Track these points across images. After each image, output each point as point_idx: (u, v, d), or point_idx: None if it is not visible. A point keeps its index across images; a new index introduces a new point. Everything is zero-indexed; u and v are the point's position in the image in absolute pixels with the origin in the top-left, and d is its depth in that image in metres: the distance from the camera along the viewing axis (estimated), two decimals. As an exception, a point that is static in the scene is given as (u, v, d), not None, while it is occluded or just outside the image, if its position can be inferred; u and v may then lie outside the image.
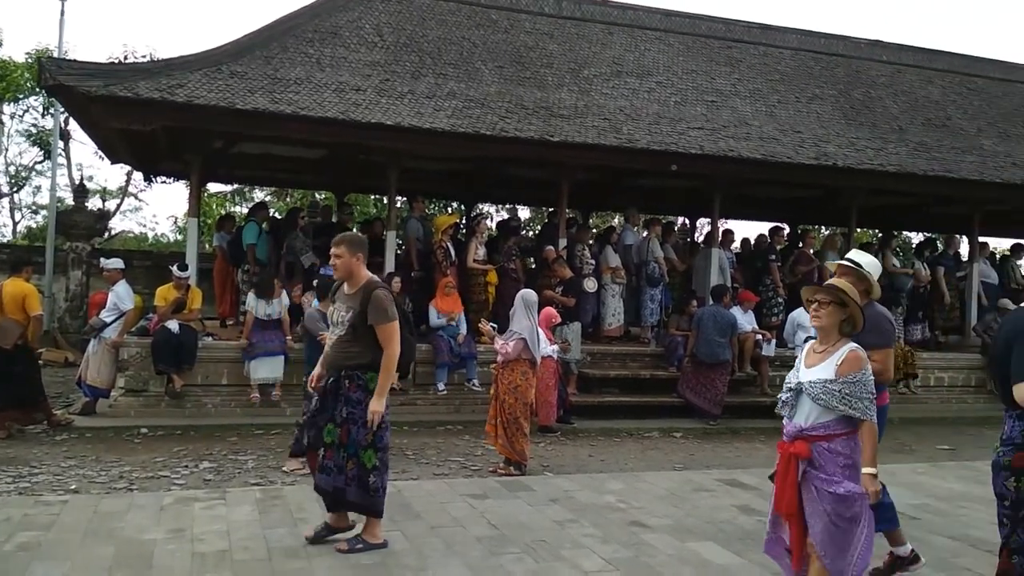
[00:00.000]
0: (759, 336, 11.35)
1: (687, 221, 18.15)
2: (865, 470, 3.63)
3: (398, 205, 14.47)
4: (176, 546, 4.87)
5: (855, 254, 4.79)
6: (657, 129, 11.54)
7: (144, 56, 21.53)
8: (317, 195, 19.97)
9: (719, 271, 12.05)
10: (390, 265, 10.79)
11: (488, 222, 17.71)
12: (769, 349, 11.32)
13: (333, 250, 4.91)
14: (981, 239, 14.14)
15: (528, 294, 7.62)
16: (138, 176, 22.99)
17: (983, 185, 12.31)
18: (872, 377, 3.70)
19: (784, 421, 3.88)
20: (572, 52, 13.61)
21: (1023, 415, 3.43)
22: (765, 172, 11.56)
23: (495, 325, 8.43)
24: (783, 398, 3.86)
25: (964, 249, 15.34)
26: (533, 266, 12.10)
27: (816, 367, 3.75)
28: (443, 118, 10.33)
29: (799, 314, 10.29)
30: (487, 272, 11.25)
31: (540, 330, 7.59)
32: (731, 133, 11.94)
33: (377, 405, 4.72)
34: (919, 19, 68.92)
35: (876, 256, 13.25)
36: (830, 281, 3.93)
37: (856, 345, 3.73)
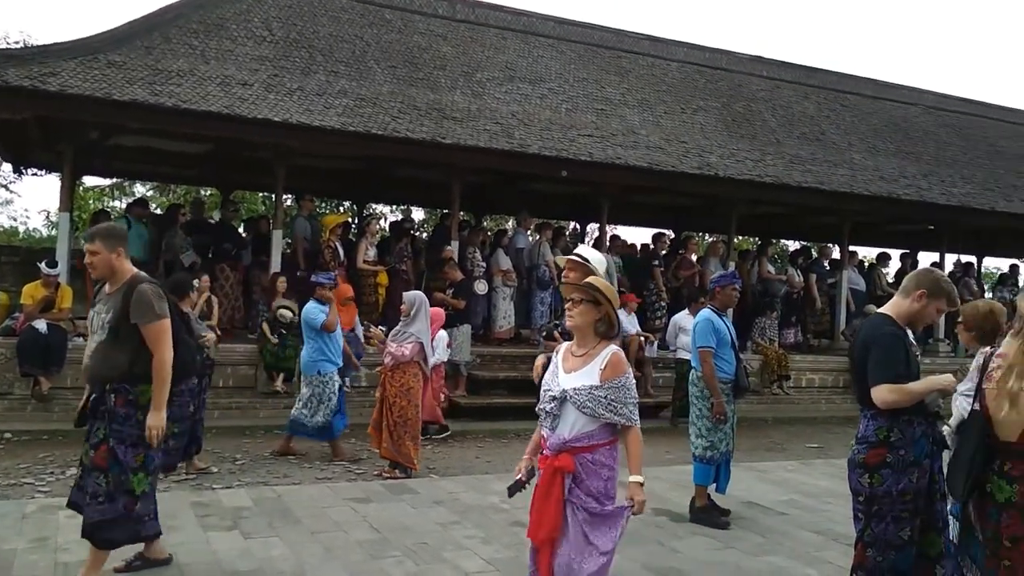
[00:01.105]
0: (643, 338, 11.68)
1: (578, 226, 18.51)
2: (632, 478, 3.40)
3: (287, 203, 14.17)
4: (39, 556, 4.64)
5: (583, 249, 4.57)
6: (548, 135, 11.72)
7: (18, 42, 20.31)
8: (202, 191, 19.32)
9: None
10: (276, 265, 10.55)
11: (381, 223, 17.56)
12: (652, 351, 11.67)
13: (87, 246, 4.24)
14: (851, 248, 14.98)
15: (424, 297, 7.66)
16: (7, 167, 21.62)
17: (852, 197, 13.05)
18: (634, 381, 3.49)
19: (544, 432, 3.52)
20: (465, 55, 13.66)
21: (877, 415, 3.64)
22: (651, 180, 11.89)
23: (384, 328, 8.39)
24: (545, 408, 3.50)
25: (837, 256, 16.22)
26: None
27: (576, 372, 3.46)
28: (333, 116, 10.18)
29: (680, 317, 10.67)
30: (377, 273, 11.15)
31: (442, 332, 7.65)
32: (620, 141, 12.24)
33: (155, 420, 4.10)
34: (796, 36, 72.45)
35: (753, 263, 14.09)
36: (588, 279, 3.65)
37: (617, 348, 3.48)
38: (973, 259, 19.18)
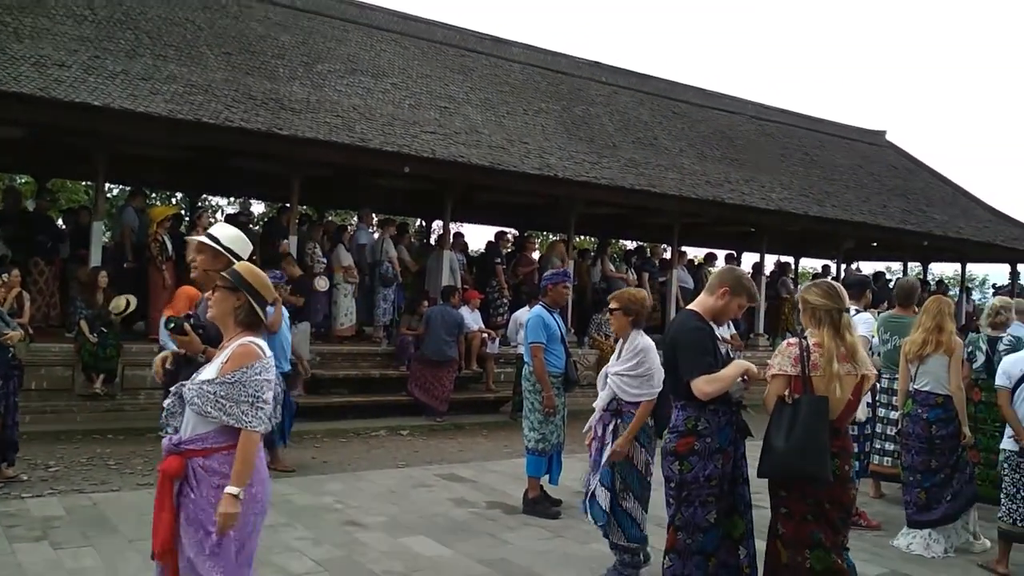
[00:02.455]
0: (485, 335, 11.84)
1: (423, 222, 18.48)
2: (228, 489, 2.96)
3: (112, 194, 13.34)
4: None
5: (217, 228, 4.08)
6: (391, 130, 11.62)
7: None
8: (16, 179, 17.87)
9: (450, 272, 12.39)
10: (96, 258, 9.90)
11: (217, 215, 16.86)
12: (494, 347, 11.85)
13: None
14: (681, 248, 15.79)
15: None
16: None
17: (682, 200, 13.74)
18: (264, 378, 3.06)
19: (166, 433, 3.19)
20: (306, 45, 13.32)
21: (686, 405, 3.86)
22: (493, 179, 12.05)
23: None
24: (165, 405, 3.19)
25: (668, 256, 17.03)
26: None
27: (208, 366, 3.18)
28: (160, 102, 9.65)
29: (521, 314, 10.90)
30: (209, 269, 10.68)
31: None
32: (463, 140, 12.32)
33: None
34: (632, 43, 75.53)
35: (594, 262, 14.59)
36: (234, 267, 3.32)
37: (251, 339, 3.11)
38: (791, 260, 20.75)
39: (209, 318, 3.31)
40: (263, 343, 3.16)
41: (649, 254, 16.45)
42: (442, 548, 5.31)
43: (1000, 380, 5.62)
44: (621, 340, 5.05)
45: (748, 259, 18.32)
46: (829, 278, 14.29)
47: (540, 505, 6.30)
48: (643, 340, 4.91)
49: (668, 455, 3.90)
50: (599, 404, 4.99)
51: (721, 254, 17.55)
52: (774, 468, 3.67)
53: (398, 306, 12.34)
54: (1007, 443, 5.55)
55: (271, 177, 12.62)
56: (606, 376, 5.02)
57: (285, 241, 11.01)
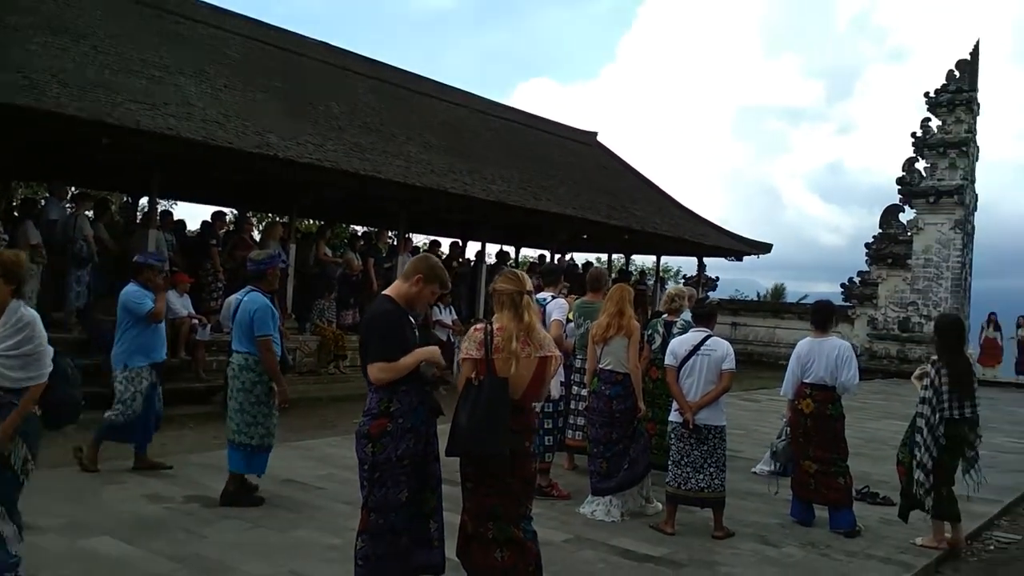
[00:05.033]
0: (195, 321, 11.20)
1: (129, 199, 17.03)
2: None
3: None
4: None
5: None
6: (92, 96, 10.55)
7: None
8: None
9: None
10: None
11: None
12: (205, 334, 11.24)
13: None
14: (407, 235, 15.99)
15: None
16: None
17: (405, 187, 13.90)
18: None
19: None
20: (-13, -7, 11.71)
21: (379, 388, 3.94)
22: (207, 155, 11.38)
23: None
24: None
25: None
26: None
27: None
28: None
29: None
30: None
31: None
32: (173, 111, 11.48)
33: None
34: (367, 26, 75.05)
35: (312, 247, 14.32)
36: None
37: None
38: (511, 249, 21.81)
39: None
40: None
41: (375, 240, 16.49)
42: (128, 548, 4.98)
43: (668, 359, 6.35)
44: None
45: (472, 248, 18.98)
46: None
47: (241, 496, 6.11)
48: (27, 312, 4.05)
49: (362, 438, 3.96)
50: None
51: (446, 242, 18.03)
52: (456, 446, 3.87)
53: (94, 289, 11.28)
54: (674, 415, 6.29)
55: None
56: None
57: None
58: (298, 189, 13.01)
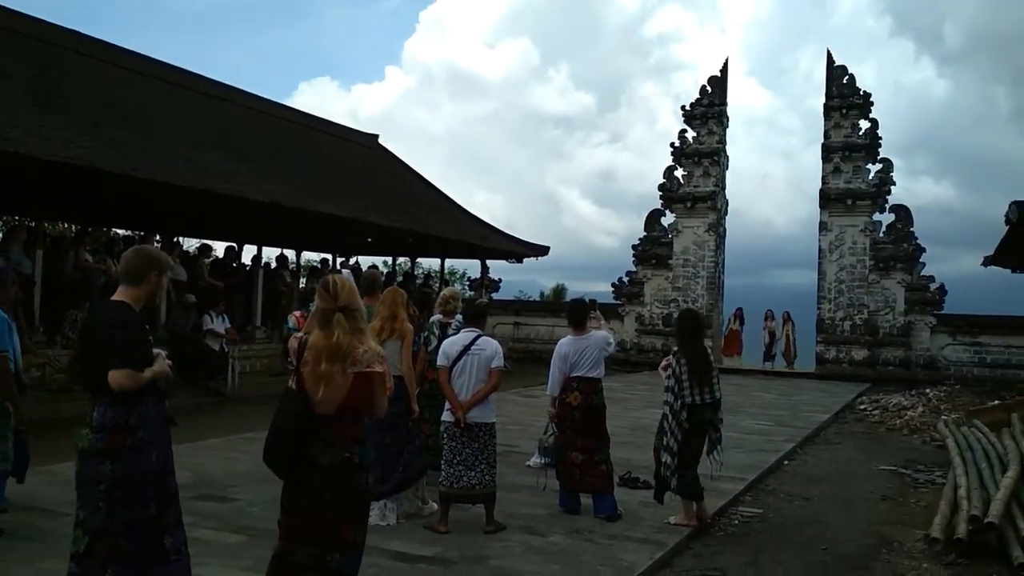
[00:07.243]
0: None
1: None
2: None
3: None
4: None
5: None
6: None
7: None
8: None
9: None
10: None
11: None
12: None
13: None
14: (176, 238, 15.07)
15: None
16: None
17: (171, 188, 13.01)
18: None
19: None
20: None
21: (115, 401, 3.66)
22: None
23: None
24: None
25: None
26: None
27: None
28: None
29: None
30: None
31: None
32: None
33: None
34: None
35: (69, 252, 13.13)
36: None
37: None
38: (292, 252, 21.18)
39: None
40: None
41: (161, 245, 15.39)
42: None
43: (440, 360, 6.46)
44: None
45: (249, 251, 18.19)
46: (344, 272, 14.96)
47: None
48: None
49: (94, 456, 3.66)
50: None
51: (220, 246, 17.21)
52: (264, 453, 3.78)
53: None
54: (446, 415, 6.40)
55: None
56: None
57: None
58: (46, 188, 11.86)
